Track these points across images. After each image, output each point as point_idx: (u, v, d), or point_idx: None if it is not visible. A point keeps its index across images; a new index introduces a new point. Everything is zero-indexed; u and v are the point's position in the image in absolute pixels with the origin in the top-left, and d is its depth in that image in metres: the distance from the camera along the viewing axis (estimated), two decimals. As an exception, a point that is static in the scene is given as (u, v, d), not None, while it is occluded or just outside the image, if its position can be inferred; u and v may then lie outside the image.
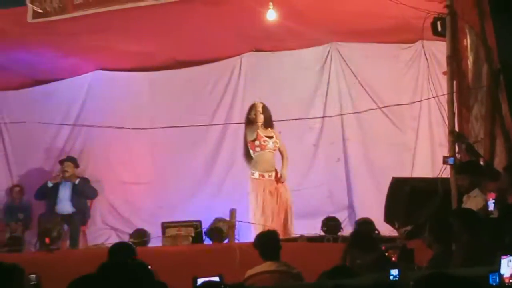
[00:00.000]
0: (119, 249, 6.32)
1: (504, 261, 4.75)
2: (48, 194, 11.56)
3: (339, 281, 4.67)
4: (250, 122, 10.45)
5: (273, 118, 10.69)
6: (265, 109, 10.45)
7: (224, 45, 11.66)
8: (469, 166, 8.34)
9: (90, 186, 11.72)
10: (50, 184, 11.56)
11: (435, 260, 6.17)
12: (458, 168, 8.57)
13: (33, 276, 6.63)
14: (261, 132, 10.35)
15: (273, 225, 9.74)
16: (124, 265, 3.23)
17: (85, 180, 11.74)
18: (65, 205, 11.45)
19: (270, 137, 10.36)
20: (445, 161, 8.92)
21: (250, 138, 10.36)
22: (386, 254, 6.91)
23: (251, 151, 10.34)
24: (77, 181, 11.59)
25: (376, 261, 6.50)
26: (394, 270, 5.15)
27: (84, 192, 11.60)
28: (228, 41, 11.50)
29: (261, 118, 10.37)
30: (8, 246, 10.41)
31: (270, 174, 10.29)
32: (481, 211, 7.35)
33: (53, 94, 12.33)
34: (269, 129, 10.44)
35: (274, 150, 10.37)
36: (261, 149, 10.31)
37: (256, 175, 10.29)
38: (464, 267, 5.54)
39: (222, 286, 4.66)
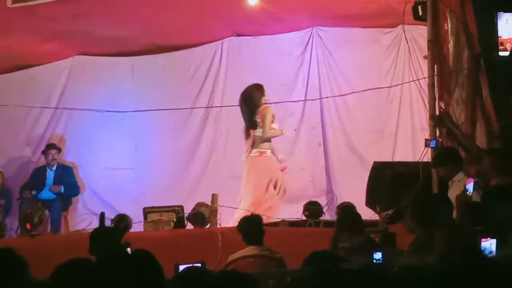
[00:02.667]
0: (101, 233, 6.33)
1: (486, 244, 4.80)
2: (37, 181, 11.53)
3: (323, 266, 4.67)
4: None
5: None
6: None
7: (205, 30, 11.64)
8: (446, 156, 8.33)
9: (73, 183, 11.68)
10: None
11: (416, 244, 6.20)
12: (436, 161, 8.53)
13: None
14: None
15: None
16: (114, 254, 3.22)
17: (68, 171, 11.69)
18: (47, 191, 11.43)
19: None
20: (427, 144, 8.94)
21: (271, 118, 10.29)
22: (371, 237, 6.96)
23: (264, 130, 10.26)
24: (55, 167, 11.57)
25: (363, 243, 6.54)
26: (377, 253, 5.19)
27: (67, 186, 11.55)
28: (209, 26, 11.47)
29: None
30: (-13, 232, 10.35)
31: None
32: (461, 195, 7.39)
33: (33, 79, 12.25)
34: None
35: None
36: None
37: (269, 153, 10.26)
38: (447, 251, 5.56)
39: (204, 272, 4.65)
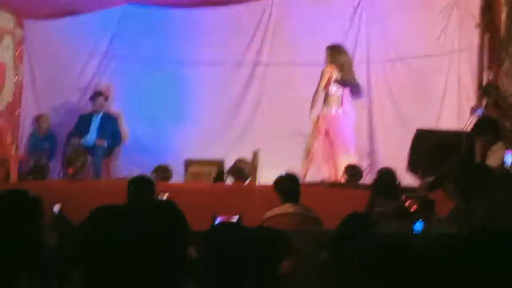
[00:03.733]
0: (139, 181, 6.39)
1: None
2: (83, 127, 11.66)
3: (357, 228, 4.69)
4: None
5: (303, 61, 10.69)
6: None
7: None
8: (485, 126, 8.24)
9: (117, 132, 11.78)
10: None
11: (456, 211, 6.17)
12: (477, 131, 8.43)
13: (56, 205, 6.74)
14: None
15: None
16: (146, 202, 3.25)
17: (113, 119, 11.79)
18: (91, 137, 11.55)
19: None
20: (472, 113, 8.86)
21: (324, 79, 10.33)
22: (406, 204, 6.93)
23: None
24: (101, 115, 11.68)
25: (398, 209, 6.52)
26: (419, 223, 5.15)
27: (110, 134, 11.66)
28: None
29: None
30: (32, 174, 10.52)
31: None
32: (499, 167, 7.32)
33: (83, 25, 12.29)
34: None
35: None
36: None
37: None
38: (485, 220, 5.54)
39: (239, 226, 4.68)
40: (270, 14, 12.12)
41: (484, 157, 8.23)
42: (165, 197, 6.42)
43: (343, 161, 10.12)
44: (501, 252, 2.39)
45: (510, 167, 7.15)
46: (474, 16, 10.09)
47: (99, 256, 2.19)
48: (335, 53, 10.41)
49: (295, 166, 10.00)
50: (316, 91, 10.22)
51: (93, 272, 2.20)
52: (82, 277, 2.22)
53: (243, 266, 1.96)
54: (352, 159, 10.16)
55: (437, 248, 2.43)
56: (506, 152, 7.29)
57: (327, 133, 10.27)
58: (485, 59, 9.11)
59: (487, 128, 8.11)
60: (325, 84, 10.24)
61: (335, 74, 10.27)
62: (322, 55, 10.66)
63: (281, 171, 8.20)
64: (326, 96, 10.30)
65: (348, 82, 10.34)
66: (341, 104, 10.30)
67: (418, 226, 5.06)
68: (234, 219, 5.32)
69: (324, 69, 10.26)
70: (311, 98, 10.30)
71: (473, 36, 9.90)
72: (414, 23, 11.57)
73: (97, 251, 2.21)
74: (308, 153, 10.27)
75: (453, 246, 2.44)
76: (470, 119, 8.96)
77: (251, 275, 1.92)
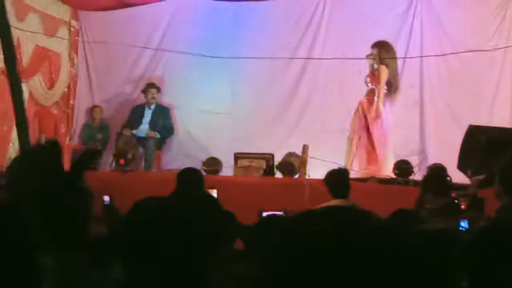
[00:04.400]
0: (188, 174, 6.44)
1: None
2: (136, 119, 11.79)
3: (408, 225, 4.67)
4: None
5: (356, 56, 10.67)
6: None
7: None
8: None
9: (169, 124, 11.87)
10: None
11: (502, 211, 6.11)
12: None
13: (107, 196, 6.84)
14: None
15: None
16: (191, 195, 3.28)
17: (165, 111, 11.88)
18: (143, 129, 11.66)
19: None
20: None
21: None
22: (456, 201, 6.88)
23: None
24: (153, 107, 11.79)
25: (447, 206, 6.48)
26: (464, 221, 5.12)
27: (163, 126, 11.76)
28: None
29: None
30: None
31: None
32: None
33: (136, 18, 12.39)
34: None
35: None
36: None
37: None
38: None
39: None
40: (324, 6, 12.07)
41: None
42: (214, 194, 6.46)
43: (390, 157, 10.11)
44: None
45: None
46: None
47: (141, 249, 2.22)
48: (389, 51, 10.41)
49: (344, 162, 10.02)
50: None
51: (134, 264, 2.23)
52: (125, 269, 2.25)
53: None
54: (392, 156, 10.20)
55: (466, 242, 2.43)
56: None
57: (375, 127, 10.24)
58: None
59: None
60: (380, 81, 10.25)
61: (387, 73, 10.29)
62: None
63: (331, 166, 8.22)
64: (378, 92, 10.27)
65: (395, 83, 10.37)
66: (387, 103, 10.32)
67: (464, 224, 5.02)
68: (280, 213, 5.33)
69: (382, 67, 10.24)
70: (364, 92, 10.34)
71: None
72: (469, 19, 11.46)
73: (139, 244, 2.24)
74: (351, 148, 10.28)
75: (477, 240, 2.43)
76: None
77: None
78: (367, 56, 10.49)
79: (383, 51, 10.35)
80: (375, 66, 10.37)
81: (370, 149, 10.25)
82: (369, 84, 10.35)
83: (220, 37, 12.14)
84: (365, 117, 10.28)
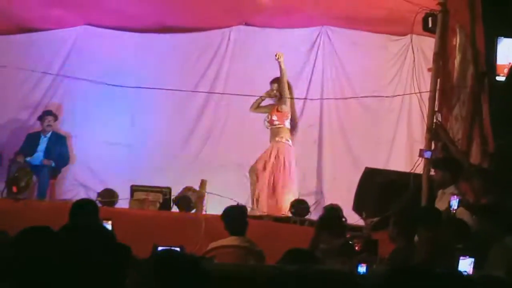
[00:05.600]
0: (82, 205, 6.33)
1: (464, 262, 4.79)
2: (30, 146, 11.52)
3: (302, 265, 4.66)
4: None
5: (257, 94, 10.73)
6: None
7: (215, 15, 11.60)
8: (446, 162, 8.33)
9: (65, 153, 11.66)
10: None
11: (396, 253, 6.21)
12: (435, 162, 8.56)
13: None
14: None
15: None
16: (85, 227, 3.19)
17: (61, 140, 11.66)
18: (38, 156, 11.41)
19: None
20: (421, 154, 8.96)
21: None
22: (350, 242, 6.94)
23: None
24: (49, 134, 11.56)
25: (341, 247, 6.53)
26: (362, 265, 5.16)
27: (58, 155, 11.53)
28: (219, 12, 11.43)
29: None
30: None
31: None
32: (445, 211, 7.38)
33: (37, 44, 12.14)
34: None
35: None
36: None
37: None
38: (423, 263, 5.57)
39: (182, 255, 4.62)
40: (228, 43, 12.12)
41: (431, 200, 8.29)
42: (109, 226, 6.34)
43: (289, 194, 10.16)
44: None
45: (455, 212, 7.21)
46: (428, 60, 10.23)
47: (22, 275, 2.14)
48: (290, 87, 10.55)
49: (242, 198, 10.01)
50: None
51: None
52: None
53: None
54: (296, 193, 10.25)
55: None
56: (452, 197, 7.34)
57: (278, 163, 10.29)
58: (436, 103, 9.19)
59: (449, 165, 8.17)
60: (283, 117, 10.34)
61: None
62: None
63: (228, 203, 8.20)
64: (280, 128, 10.36)
65: (295, 119, 10.50)
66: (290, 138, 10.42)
67: (362, 269, 5.06)
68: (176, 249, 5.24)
69: (286, 101, 10.34)
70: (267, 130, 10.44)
71: (426, 79, 10.02)
72: (369, 63, 11.69)
73: (20, 270, 2.16)
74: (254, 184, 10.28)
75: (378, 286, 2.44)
76: (418, 161, 9.04)
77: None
78: (267, 92, 10.58)
79: (290, 87, 10.50)
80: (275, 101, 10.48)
81: (274, 186, 10.28)
82: (275, 122, 10.41)
83: (122, 66, 12.01)
84: (271, 154, 10.32)
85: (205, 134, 12.09)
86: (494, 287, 3.28)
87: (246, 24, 12.02)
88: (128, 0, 10.84)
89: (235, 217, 7.13)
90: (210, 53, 12.19)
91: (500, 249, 5.75)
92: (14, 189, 9.84)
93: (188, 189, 10.09)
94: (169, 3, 10.92)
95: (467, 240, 6.07)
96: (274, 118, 10.44)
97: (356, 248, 6.71)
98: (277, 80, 10.53)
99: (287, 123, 10.45)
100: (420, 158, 9.09)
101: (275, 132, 10.42)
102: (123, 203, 10.15)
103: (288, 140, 10.37)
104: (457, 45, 9.22)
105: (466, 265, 4.75)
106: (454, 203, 7.19)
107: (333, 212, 8.33)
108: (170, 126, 12.12)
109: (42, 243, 2.21)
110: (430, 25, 9.30)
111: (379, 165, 10.70)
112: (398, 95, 11.15)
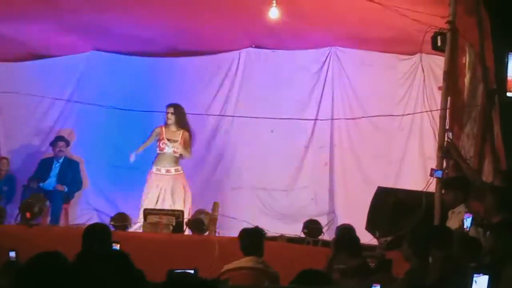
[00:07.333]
0: (95, 229, 6.34)
1: (479, 279, 4.77)
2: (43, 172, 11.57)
3: (316, 286, 4.67)
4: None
5: (267, 115, 10.75)
6: (177, 110, 11.01)
7: (225, 38, 11.65)
8: (457, 182, 8.34)
9: (77, 178, 11.72)
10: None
11: (411, 273, 6.19)
12: (446, 183, 8.59)
13: (12, 252, 6.66)
14: (166, 133, 10.94)
15: None
16: (102, 255, 3.21)
17: (74, 165, 11.72)
18: (51, 182, 11.46)
19: (175, 141, 10.92)
20: (432, 174, 8.96)
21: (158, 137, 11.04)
22: (367, 262, 6.93)
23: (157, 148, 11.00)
24: (62, 160, 11.62)
25: (359, 268, 6.52)
26: (376, 285, 5.14)
27: (71, 180, 11.59)
28: (229, 35, 11.49)
29: (171, 120, 11.02)
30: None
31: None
32: (458, 229, 7.38)
33: (48, 70, 12.23)
34: (179, 130, 10.95)
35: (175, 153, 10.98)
36: (160, 150, 11.01)
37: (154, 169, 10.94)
38: (438, 283, 5.56)
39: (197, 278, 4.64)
40: (238, 65, 12.16)
41: (443, 218, 8.27)
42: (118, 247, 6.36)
43: None
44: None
45: (468, 230, 7.20)
46: (438, 79, 10.24)
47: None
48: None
49: (254, 220, 10.01)
50: None
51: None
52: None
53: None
54: None
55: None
56: (466, 215, 7.34)
57: None
58: (447, 121, 9.20)
59: (458, 185, 8.17)
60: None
61: None
62: (286, 110, 10.75)
63: (241, 225, 8.20)
64: None
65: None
66: None
67: (376, 289, 5.05)
68: (190, 272, 5.25)
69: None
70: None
71: (436, 98, 10.03)
72: (379, 82, 11.69)
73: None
74: None
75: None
76: (430, 180, 9.04)
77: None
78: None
79: None
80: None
81: None
82: None
83: (133, 91, 12.06)
84: None
85: (217, 156, 12.10)
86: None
87: (256, 46, 12.07)
88: (138, 25, 10.88)
89: (251, 239, 7.12)
90: (220, 76, 12.25)
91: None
92: (28, 215, 9.86)
93: (200, 211, 10.11)
94: (178, 28, 10.97)
95: (479, 258, 6.06)
96: None
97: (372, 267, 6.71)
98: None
99: None
100: (432, 178, 9.08)
101: None
102: (136, 227, 10.18)
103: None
104: (467, 63, 9.23)
105: (481, 283, 4.73)
106: (468, 221, 7.19)
107: (348, 232, 8.33)
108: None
109: (52, 269, 2.22)
110: (439, 44, 9.30)
111: (391, 184, 10.70)
112: (409, 114, 11.14)
